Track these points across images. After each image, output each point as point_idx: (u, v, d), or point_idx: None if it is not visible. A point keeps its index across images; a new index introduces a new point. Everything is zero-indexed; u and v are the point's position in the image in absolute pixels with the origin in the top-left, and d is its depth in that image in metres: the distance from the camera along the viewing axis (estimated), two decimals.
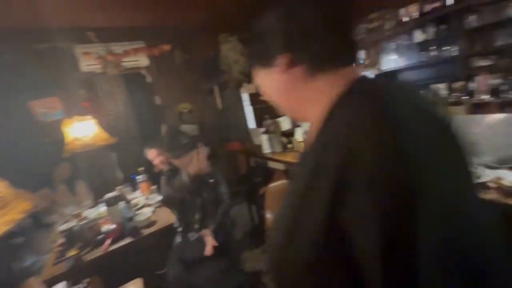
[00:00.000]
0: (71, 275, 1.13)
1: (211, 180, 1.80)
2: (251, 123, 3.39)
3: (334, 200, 0.32)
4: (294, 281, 0.40)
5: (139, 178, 2.27)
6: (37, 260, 1.60)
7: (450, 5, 2.37)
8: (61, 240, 1.60)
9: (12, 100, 2.41)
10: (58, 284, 1.01)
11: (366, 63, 3.10)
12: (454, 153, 0.35)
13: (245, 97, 3.32)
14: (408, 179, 0.28)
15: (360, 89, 0.39)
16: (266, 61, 0.47)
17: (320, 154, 0.37)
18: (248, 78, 2.90)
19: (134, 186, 2.32)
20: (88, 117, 2.06)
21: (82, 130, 2.04)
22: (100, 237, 1.65)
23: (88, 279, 1.05)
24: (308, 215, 0.36)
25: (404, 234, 0.28)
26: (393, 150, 0.29)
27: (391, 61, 2.96)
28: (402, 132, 0.30)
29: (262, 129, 2.41)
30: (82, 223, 1.74)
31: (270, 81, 0.48)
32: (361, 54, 3.16)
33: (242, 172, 3.46)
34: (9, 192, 0.47)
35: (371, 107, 0.34)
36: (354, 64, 0.45)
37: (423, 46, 2.69)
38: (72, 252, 1.38)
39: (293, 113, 0.51)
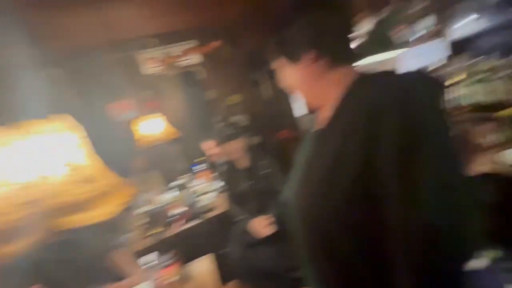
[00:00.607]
0: (158, 248, 1.37)
1: (265, 171, 1.85)
2: (302, 109, 3.36)
3: (368, 142, 0.45)
4: (328, 219, 0.52)
5: (200, 167, 2.51)
6: (125, 236, 1.94)
7: None
8: (144, 220, 1.92)
9: (96, 104, 2.89)
10: (151, 253, 1.24)
11: (431, 33, 2.72)
12: (441, 118, 0.48)
13: None
14: (415, 127, 0.42)
15: (368, 76, 0.55)
16: (294, 57, 0.58)
17: (350, 119, 0.50)
18: None
19: (197, 175, 2.58)
20: (156, 115, 2.34)
21: (152, 127, 2.34)
22: (172, 218, 1.92)
23: (173, 251, 1.26)
24: (347, 161, 0.48)
25: (413, 161, 0.41)
26: (405, 105, 0.44)
27: (462, 27, 2.55)
28: (408, 96, 0.45)
29: (309, 116, 2.37)
30: (157, 206, 2.04)
31: (296, 74, 0.60)
32: (427, 22, 2.76)
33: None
34: (119, 180, 0.61)
35: (383, 83, 0.51)
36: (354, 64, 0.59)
37: (504, 3, 2.24)
38: (155, 230, 1.65)
39: (312, 99, 0.63)
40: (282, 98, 3.64)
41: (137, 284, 1.24)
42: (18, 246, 0.57)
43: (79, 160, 0.55)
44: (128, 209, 2.05)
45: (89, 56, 2.63)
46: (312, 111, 0.67)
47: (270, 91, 3.60)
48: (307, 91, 0.62)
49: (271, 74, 3.41)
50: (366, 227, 0.48)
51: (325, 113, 0.59)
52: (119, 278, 1.36)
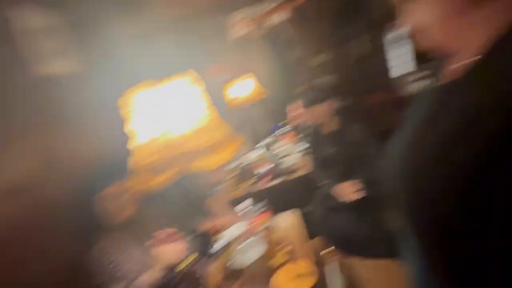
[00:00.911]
0: (252, 197, 1.54)
1: (355, 136, 1.72)
2: (409, 65, 2.84)
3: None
4: (443, 192, 0.42)
5: (285, 128, 2.56)
6: (222, 185, 2.24)
7: None
8: (235, 173, 2.17)
9: (197, 67, 3.23)
10: (246, 200, 1.41)
11: None
12: None
13: (401, 35, 2.74)
14: None
15: None
16: None
17: (500, 72, 0.37)
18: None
19: (282, 136, 2.65)
20: (246, 75, 2.45)
21: (242, 88, 2.47)
22: (259, 175, 2.08)
23: (265, 200, 1.40)
24: (480, 127, 0.36)
25: None
26: None
27: None
28: None
29: (422, 73, 1.99)
30: (246, 163, 2.24)
31: (434, 5, 0.45)
32: None
33: (390, 126, 3.12)
34: (231, 131, 0.70)
35: None
36: None
37: None
38: (247, 182, 1.84)
39: (448, 40, 0.47)
40: (376, 56, 3.16)
41: (232, 224, 1.45)
42: (159, 180, 0.73)
43: (202, 111, 0.64)
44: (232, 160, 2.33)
45: (190, 21, 2.86)
46: (437, 59, 0.53)
47: (363, 48, 3.17)
48: (443, 30, 0.47)
49: (364, 29, 2.97)
50: (491, 205, 0.38)
51: (462, 61, 0.45)
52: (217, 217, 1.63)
